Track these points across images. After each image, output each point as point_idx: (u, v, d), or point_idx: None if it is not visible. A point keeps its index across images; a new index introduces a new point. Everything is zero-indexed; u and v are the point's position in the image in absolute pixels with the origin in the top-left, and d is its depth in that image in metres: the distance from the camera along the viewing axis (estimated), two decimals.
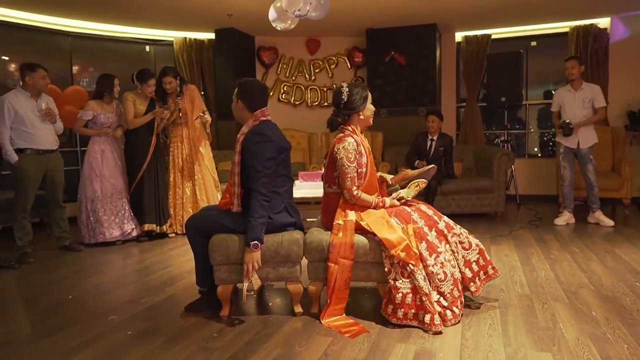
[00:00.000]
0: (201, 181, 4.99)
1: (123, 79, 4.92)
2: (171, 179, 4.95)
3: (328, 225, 2.83)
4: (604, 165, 5.93)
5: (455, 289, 2.64)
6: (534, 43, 6.81)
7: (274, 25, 4.40)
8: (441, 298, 2.58)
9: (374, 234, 2.65)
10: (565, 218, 5.15)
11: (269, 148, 2.67)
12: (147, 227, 4.74)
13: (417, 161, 5.36)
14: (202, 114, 4.99)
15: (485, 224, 5.20)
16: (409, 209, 2.78)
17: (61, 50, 6.06)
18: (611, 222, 4.97)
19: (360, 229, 2.71)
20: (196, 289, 3.17)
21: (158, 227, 4.80)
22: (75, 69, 6.32)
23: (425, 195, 5.38)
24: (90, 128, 4.66)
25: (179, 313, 2.86)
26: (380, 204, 2.81)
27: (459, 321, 2.58)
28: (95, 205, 4.55)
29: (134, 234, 4.71)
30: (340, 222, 2.72)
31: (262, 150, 2.66)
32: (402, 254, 2.55)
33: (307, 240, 2.74)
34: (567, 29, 6.43)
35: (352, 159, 2.73)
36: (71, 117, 5.16)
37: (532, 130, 7.33)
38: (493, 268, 2.85)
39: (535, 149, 7.55)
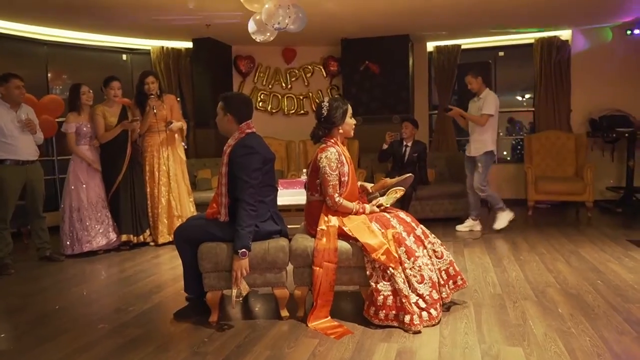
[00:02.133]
0: (176, 190, 5.00)
1: (99, 88, 4.90)
2: (148, 190, 4.95)
3: (312, 232, 2.96)
4: (568, 171, 6.27)
5: (434, 291, 2.80)
6: (501, 53, 7.12)
7: (253, 37, 4.51)
8: (419, 300, 2.74)
9: (356, 240, 2.80)
10: (467, 224, 5.23)
11: (255, 160, 2.79)
12: (124, 237, 4.74)
13: (388, 133, 5.61)
14: (169, 123, 4.92)
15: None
16: (388, 215, 2.94)
17: (37, 59, 6.01)
18: (503, 225, 5.02)
19: (342, 235, 2.85)
20: (183, 296, 3.25)
21: (135, 237, 4.80)
22: (50, 76, 6.27)
23: (401, 202, 5.55)
24: (77, 141, 4.63)
25: (168, 320, 2.94)
26: (361, 210, 2.96)
27: (437, 322, 2.73)
28: (82, 214, 4.54)
29: (117, 243, 4.72)
30: (324, 227, 2.85)
31: (248, 162, 2.77)
32: (383, 258, 2.70)
33: (292, 246, 2.87)
34: (532, 41, 6.75)
35: (334, 167, 2.88)
36: (48, 125, 5.14)
37: (501, 134, 7.64)
38: (462, 279, 3.02)
39: (505, 153, 7.86)
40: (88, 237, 4.54)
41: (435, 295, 2.80)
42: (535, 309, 2.93)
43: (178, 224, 4.92)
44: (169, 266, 4.19)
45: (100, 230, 4.60)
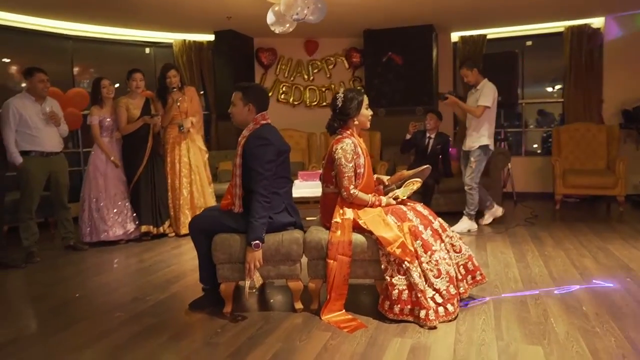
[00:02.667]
0: (199, 182, 5.03)
1: (123, 82, 4.98)
2: (169, 181, 4.99)
3: (327, 224, 2.92)
4: (599, 164, 6.04)
5: (452, 286, 2.73)
6: (529, 43, 6.89)
7: (272, 29, 4.49)
8: (436, 295, 2.67)
9: (371, 233, 2.74)
10: (487, 218, 5.05)
11: (269, 151, 2.76)
12: (143, 228, 4.79)
13: (411, 123, 5.48)
14: (180, 126, 4.97)
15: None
16: (404, 208, 2.87)
17: (63, 53, 6.14)
18: (462, 229, 4.74)
19: (357, 228, 2.80)
20: (199, 286, 3.26)
21: (155, 229, 4.85)
22: (76, 70, 6.41)
23: (423, 194, 5.47)
24: (101, 133, 4.72)
25: (184, 310, 2.96)
26: (377, 203, 2.90)
27: (454, 318, 2.66)
28: (100, 204, 4.62)
29: (136, 234, 4.79)
30: (338, 220, 2.81)
31: (263, 153, 2.75)
32: (398, 251, 2.64)
33: (306, 239, 2.84)
34: (562, 29, 6.51)
35: (350, 159, 2.83)
36: (73, 118, 5.25)
37: (533, 126, 7.40)
38: (481, 274, 2.93)
39: (535, 146, 7.64)
40: (105, 226, 4.62)
41: (453, 290, 2.72)
42: (558, 307, 2.82)
43: None
44: (188, 257, 4.23)
45: (119, 220, 4.68)
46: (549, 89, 7.51)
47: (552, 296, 3.01)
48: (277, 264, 2.83)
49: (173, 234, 5.00)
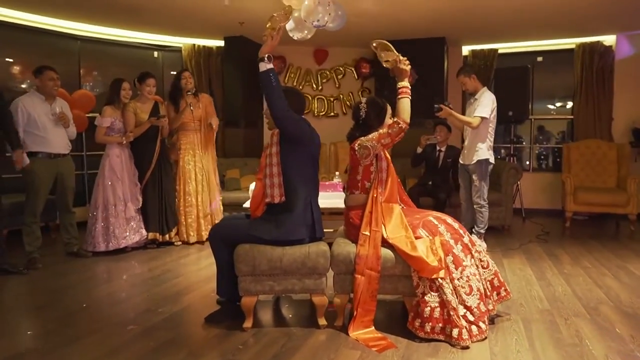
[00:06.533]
0: (206, 190, 4.91)
1: (132, 84, 4.83)
2: (181, 187, 4.86)
3: (351, 238, 2.82)
4: (609, 182, 5.99)
5: (482, 303, 2.63)
6: (540, 58, 6.87)
7: (291, 34, 4.39)
8: (467, 312, 2.56)
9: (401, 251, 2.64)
10: None
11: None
12: (150, 235, 4.63)
13: (423, 136, 5.43)
14: (210, 124, 4.92)
15: (493, 237, 5.18)
16: (436, 222, 2.77)
17: (70, 54, 6.00)
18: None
19: (387, 243, 2.69)
20: (213, 299, 3.14)
21: (161, 236, 4.69)
22: (81, 71, 6.26)
23: (434, 208, 5.38)
24: (108, 134, 4.53)
25: (200, 324, 2.81)
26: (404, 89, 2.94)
27: (485, 337, 2.56)
28: (118, 209, 4.42)
29: (145, 241, 4.63)
30: (367, 233, 2.70)
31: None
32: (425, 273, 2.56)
33: (334, 252, 2.72)
34: (573, 46, 6.50)
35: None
36: (79, 121, 5.09)
37: (547, 143, 7.34)
38: (505, 290, 2.85)
39: (548, 163, 7.58)
40: (124, 233, 4.44)
41: (483, 308, 2.63)
42: (590, 328, 2.73)
43: (206, 224, 4.87)
44: (196, 267, 4.09)
45: (134, 226, 4.52)
46: (556, 105, 7.45)
47: (581, 316, 2.91)
48: (302, 277, 2.70)
49: (180, 242, 4.85)
